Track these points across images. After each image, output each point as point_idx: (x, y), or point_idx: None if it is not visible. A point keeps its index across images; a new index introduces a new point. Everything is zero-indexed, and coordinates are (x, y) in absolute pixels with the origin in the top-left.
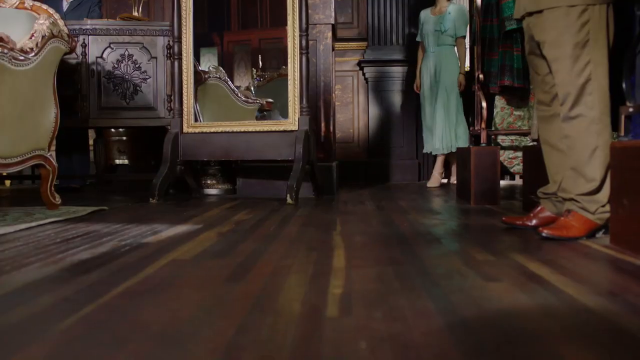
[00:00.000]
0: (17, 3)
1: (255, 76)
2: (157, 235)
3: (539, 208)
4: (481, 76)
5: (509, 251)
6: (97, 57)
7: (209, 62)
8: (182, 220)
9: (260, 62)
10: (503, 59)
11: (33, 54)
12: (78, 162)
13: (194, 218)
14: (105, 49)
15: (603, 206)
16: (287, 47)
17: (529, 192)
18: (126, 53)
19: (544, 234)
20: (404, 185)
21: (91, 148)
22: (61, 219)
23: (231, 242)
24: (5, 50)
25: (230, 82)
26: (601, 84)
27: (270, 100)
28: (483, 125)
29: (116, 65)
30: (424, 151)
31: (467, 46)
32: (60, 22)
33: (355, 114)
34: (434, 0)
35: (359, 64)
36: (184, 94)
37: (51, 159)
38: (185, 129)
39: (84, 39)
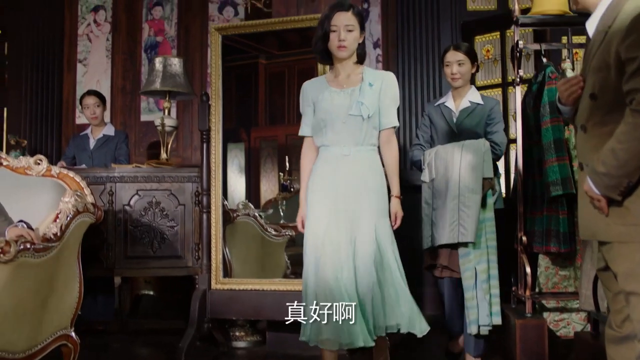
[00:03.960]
0: (44, 171)
1: (282, 181)
2: None
3: None
4: (524, 238)
5: None
6: (124, 205)
7: (235, 157)
8: None
9: (287, 164)
10: (548, 223)
11: (57, 240)
12: (102, 304)
13: None
14: (133, 196)
15: None
16: None
17: None
18: (154, 200)
19: None
20: (432, 318)
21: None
22: None
23: None
24: (28, 245)
25: (259, 217)
26: None
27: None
28: (527, 293)
29: (143, 213)
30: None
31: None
32: (87, 191)
33: None
34: (325, 60)
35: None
36: (212, 248)
37: (73, 336)
38: (213, 285)
39: (111, 187)
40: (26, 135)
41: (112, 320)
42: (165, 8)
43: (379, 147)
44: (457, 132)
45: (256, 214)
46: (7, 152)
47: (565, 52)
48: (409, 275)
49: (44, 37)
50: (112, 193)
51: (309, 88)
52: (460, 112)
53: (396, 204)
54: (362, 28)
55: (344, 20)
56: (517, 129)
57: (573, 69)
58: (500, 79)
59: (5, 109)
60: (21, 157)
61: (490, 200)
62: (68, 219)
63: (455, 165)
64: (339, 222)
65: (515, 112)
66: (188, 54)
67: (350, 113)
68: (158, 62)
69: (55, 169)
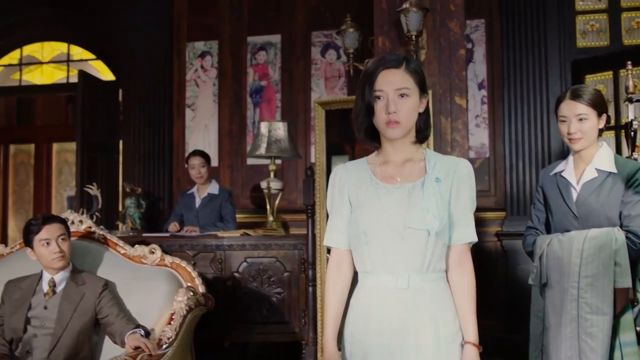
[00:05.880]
0: (158, 260)
1: None
2: None
3: None
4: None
5: None
6: (233, 272)
7: None
8: None
9: None
10: None
11: (171, 344)
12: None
13: None
14: (241, 263)
15: None
16: None
17: None
18: (261, 267)
19: None
20: None
21: None
22: None
23: None
24: (146, 358)
25: None
26: None
27: None
28: None
29: (251, 280)
30: None
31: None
32: (198, 281)
33: (493, 286)
34: (372, 141)
35: (497, 235)
36: (319, 321)
37: None
38: (319, 358)
39: (220, 255)
40: (140, 179)
41: None
42: (269, 52)
43: (445, 275)
44: (578, 216)
45: None
46: (123, 199)
47: None
48: None
49: (155, 83)
50: (221, 261)
51: (344, 177)
52: (582, 186)
53: (473, 356)
54: (423, 90)
55: (393, 81)
56: None
57: None
58: (613, 122)
59: (120, 154)
60: (137, 246)
61: (629, 317)
62: (182, 318)
63: (574, 270)
64: None
65: None
66: (292, 97)
67: (410, 225)
68: (263, 126)
69: (168, 259)
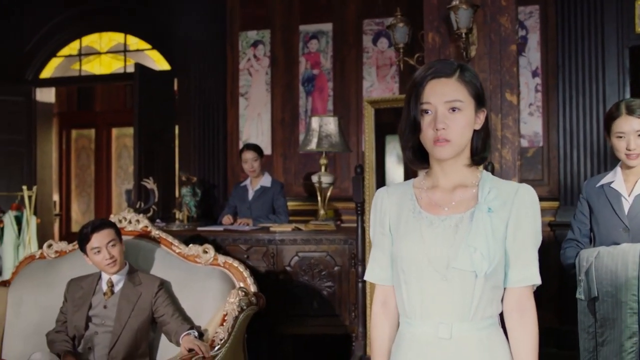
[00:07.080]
0: (211, 259)
1: None
2: None
3: None
4: None
5: None
6: (284, 266)
7: (394, 149)
8: None
9: None
10: None
11: (223, 345)
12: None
13: None
14: (293, 257)
15: None
16: None
17: None
18: (312, 261)
19: None
20: None
21: None
22: None
23: None
24: (198, 359)
25: None
26: None
27: None
28: None
29: (302, 274)
30: None
31: None
32: (250, 281)
33: (545, 276)
34: (419, 161)
35: (550, 225)
36: (368, 317)
37: None
38: (368, 352)
39: (272, 249)
40: (195, 167)
41: None
42: (320, 41)
43: (498, 323)
44: (630, 229)
45: None
46: (180, 188)
47: None
48: None
49: (209, 72)
50: (273, 255)
51: (385, 203)
52: (635, 198)
53: None
54: (481, 104)
55: (443, 92)
56: None
57: None
58: None
59: (176, 142)
60: (191, 245)
61: None
62: (233, 319)
63: (632, 283)
64: None
65: None
66: (343, 86)
67: (454, 265)
68: (314, 121)
69: (221, 258)
